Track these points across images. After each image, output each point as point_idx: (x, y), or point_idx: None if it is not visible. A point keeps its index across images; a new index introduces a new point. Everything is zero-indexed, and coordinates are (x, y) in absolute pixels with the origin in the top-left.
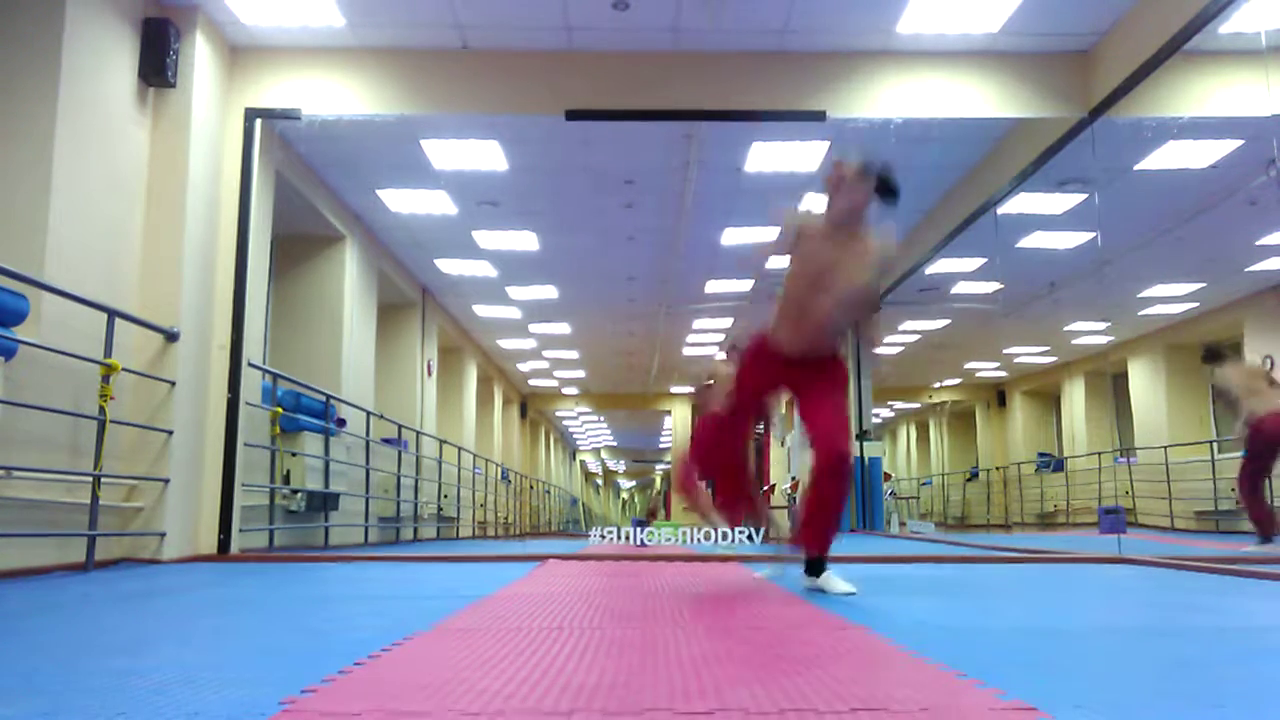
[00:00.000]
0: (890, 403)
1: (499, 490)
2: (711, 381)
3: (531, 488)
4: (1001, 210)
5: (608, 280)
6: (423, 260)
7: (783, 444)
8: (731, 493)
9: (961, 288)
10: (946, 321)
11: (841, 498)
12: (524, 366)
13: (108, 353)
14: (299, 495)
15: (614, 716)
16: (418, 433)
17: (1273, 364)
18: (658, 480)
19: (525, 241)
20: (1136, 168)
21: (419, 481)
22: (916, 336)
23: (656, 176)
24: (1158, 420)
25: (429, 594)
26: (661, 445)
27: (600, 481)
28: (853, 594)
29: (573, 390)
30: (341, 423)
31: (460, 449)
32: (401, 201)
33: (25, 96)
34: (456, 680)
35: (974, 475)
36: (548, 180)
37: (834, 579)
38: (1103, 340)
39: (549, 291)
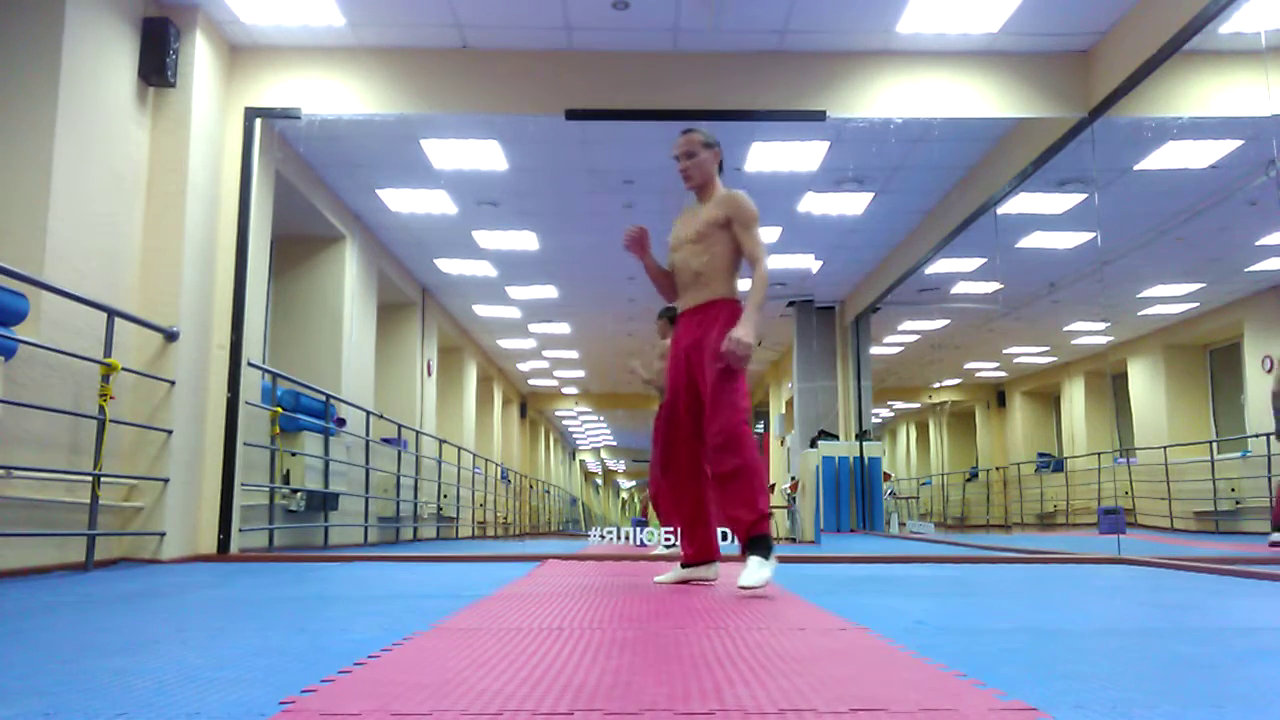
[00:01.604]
0: (890, 403)
1: (499, 490)
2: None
3: (531, 487)
4: (1001, 210)
5: (608, 280)
6: (423, 260)
7: (782, 443)
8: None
9: (961, 288)
10: (946, 321)
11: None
12: (524, 366)
13: (107, 352)
14: (299, 495)
15: (614, 716)
16: (417, 432)
17: (1273, 364)
18: None
19: (525, 241)
20: (1136, 168)
21: (419, 481)
22: (916, 336)
23: (656, 176)
24: (1157, 420)
25: (429, 594)
26: None
27: (600, 481)
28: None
29: (573, 390)
30: (341, 422)
31: (460, 449)
32: (401, 201)
33: (25, 96)
34: (456, 680)
35: (974, 475)
36: (548, 180)
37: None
38: (1102, 340)
39: (549, 291)
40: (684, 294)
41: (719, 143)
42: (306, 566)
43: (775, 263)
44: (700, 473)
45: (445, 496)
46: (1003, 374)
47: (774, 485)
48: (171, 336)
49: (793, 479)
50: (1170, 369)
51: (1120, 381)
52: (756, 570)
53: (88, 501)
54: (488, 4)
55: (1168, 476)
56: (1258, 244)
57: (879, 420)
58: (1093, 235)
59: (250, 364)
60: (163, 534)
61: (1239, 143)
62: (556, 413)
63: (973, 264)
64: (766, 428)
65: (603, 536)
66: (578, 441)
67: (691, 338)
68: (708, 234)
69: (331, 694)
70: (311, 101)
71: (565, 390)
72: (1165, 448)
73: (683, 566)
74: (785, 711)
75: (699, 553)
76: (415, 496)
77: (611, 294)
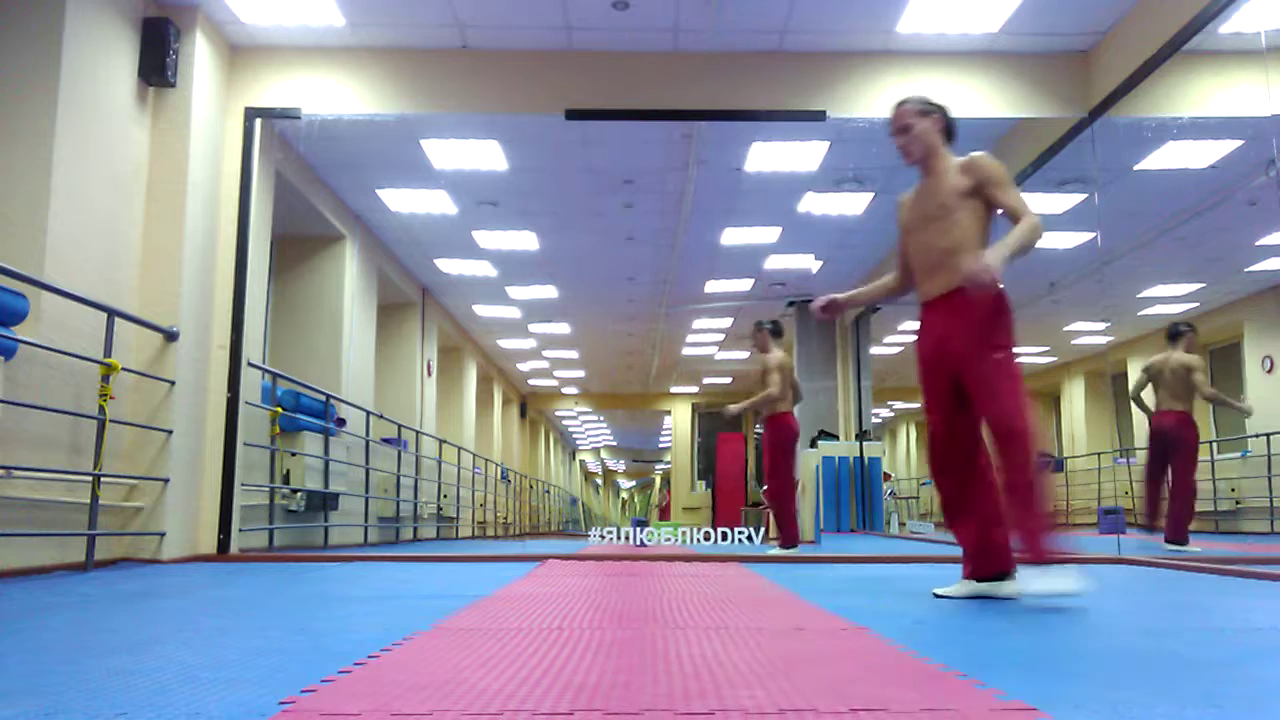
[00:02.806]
0: (890, 403)
1: (499, 490)
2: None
3: (531, 487)
4: (1001, 210)
5: (608, 280)
6: (423, 260)
7: None
8: None
9: None
10: None
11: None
12: (524, 366)
13: (107, 352)
14: (299, 495)
15: (614, 716)
16: (417, 432)
17: (1272, 364)
18: (657, 480)
19: (525, 241)
20: (1136, 168)
21: (419, 481)
22: (916, 336)
23: (656, 176)
24: None
25: (429, 594)
26: (661, 445)
27: (600, 481)
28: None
29: (573, 390)
30: (341, 422)
31: (460, 449)
32: (401, 201)
33: (25, 96)
34: (456, 680)
35: None
36: (548, 180)
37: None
38: (1102, 340)
39: (549, 291)
40: (928, 279)
41: (940, 107)
42: (306, 566)
43: (775, 262)
44: (981, 473)
45: (445, 496)
46: None
47: None
48: (171, 336)
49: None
50: None
51: (1120, 381)
52: (1059, 578)
53: (88, 501)
54: (488, 4)
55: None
56: (1258, 244)
57: (879, 420)
58: (1093, 235)
59: (250, 364)
60: (163, 534)
61: (1239, 143)
62: (556, 413)
63: None
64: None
65: (603, 536)
66: (578, 441)
67: (946, 328)
68: (954, 206)
69: (331, 694)
70: (311, 101)
71: (565, 390)
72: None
73: (977, 580)
74: (785, 711)
75: (995, 563)
76: (415, 496)
77: (611, 294)
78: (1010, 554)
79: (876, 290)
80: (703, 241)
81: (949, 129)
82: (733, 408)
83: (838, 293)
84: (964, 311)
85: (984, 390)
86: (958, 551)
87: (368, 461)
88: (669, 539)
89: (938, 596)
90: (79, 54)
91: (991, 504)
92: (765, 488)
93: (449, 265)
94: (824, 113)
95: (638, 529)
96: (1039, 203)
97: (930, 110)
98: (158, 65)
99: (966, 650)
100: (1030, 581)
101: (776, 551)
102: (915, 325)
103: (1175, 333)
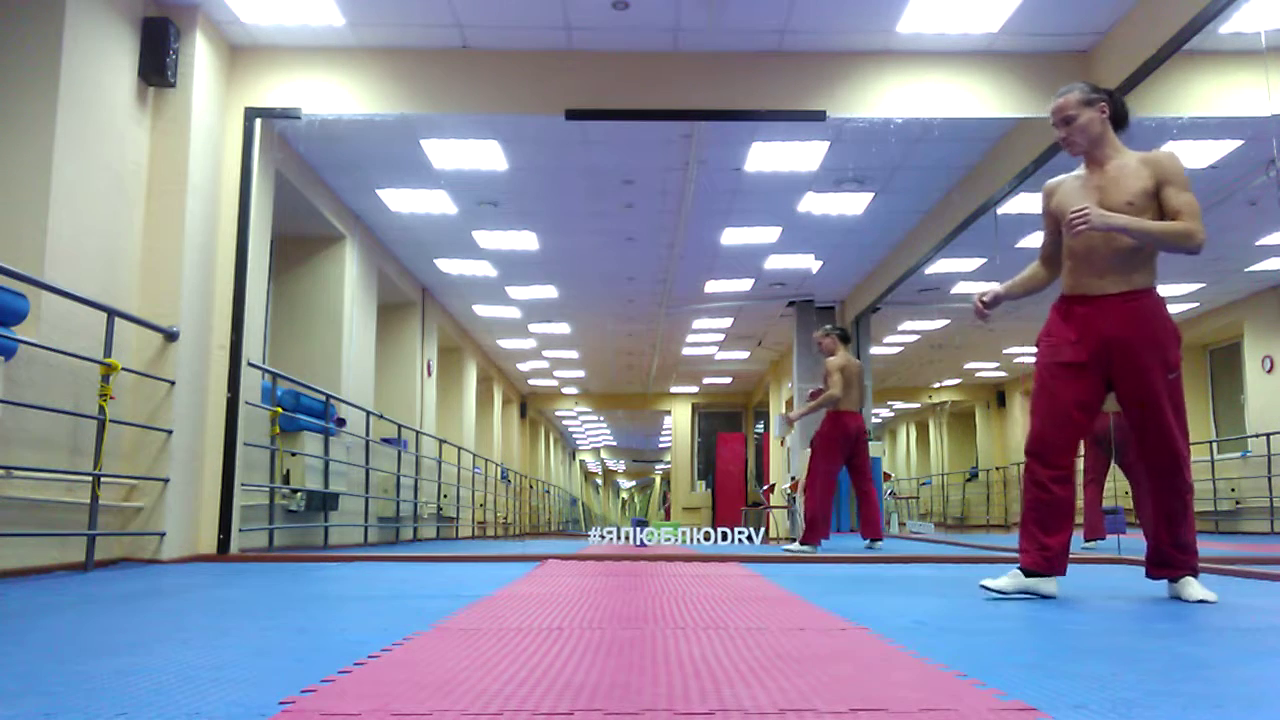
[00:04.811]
0: (890, 403)
1: (499, 490)
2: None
3: (531, 487)
4: (1001, 210)
5: (608, 280)
6: (423, 260)
7: (782, 443)
8: None
9: (961, 288)
10: (946, 321)
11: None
12: (524, 366)
13: (107, 352)
14: (299, 495)
15: (614, 716)
16: (417, 432)
17: (1272, 364)
18: (658, 480)
19: (525, 241)
20: None
21: (419, 481)
22: (916, 336)
23: (656, 176)
24: None
25: (429, 594)
26: (661, 445)
27: (600, 481)
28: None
29: (572, 390)
30: (341, 422)
31: (460, 449)
32: (401, 201)
33: (25, 96)
34: (456, 680)
35: (974, 475)
36: (548, 180)
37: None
38: None
39: (549, 291)
40: (1098, 275)
41: (1105, 94)
42: (306, 566)
43: (775, 262)
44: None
45: (445, 496)
46: (1003, 374)
47: (774, 485)
48: (171, 336)
49: (793, 479)
50: None
51: None
52: (1202, 588)
53: (88, 501)
54: (488, 4)
55: None
56: (1258, 244)
57: (879, 420)
58: None
59: (250, 364)
60: (163, 534)
61: (1239, 143)
62: (556, 413)
63: (973, 264)
64: (766, 428)
65: (603, 536)
66: (578, 441)
67: (1117, 331)
68: (1143, 207)
69: (331, 694)
70: (311, 102)
71: (565, 390)
72: None
73: (1031, 575)
74: (785, 711)
75: (1061, 560)
76: (415, 496)
77: (611, 294)
78: (1065, 560)
79: (1028, 284)
80: (702, 241)
81: (1118, 116)
82: (793, 414)
83: (996, 285)
84: (1142, 320)
85: (1154, 410)
86: (959, 551)
87: (368, 461)
88: (669, 539)
89: (985, 588)
90: (79, 54)
91: (1071, 507)
92: (792, 481)
93: (449, 265)
94: (824, 113)
95: (638, 529)
96: (1039, 203)
97: (1093, 100)
98: (158, 65)
99: (966, 650)
100: (1187, 589)
101: (795, 548)
102: (915, 325)
103: None
